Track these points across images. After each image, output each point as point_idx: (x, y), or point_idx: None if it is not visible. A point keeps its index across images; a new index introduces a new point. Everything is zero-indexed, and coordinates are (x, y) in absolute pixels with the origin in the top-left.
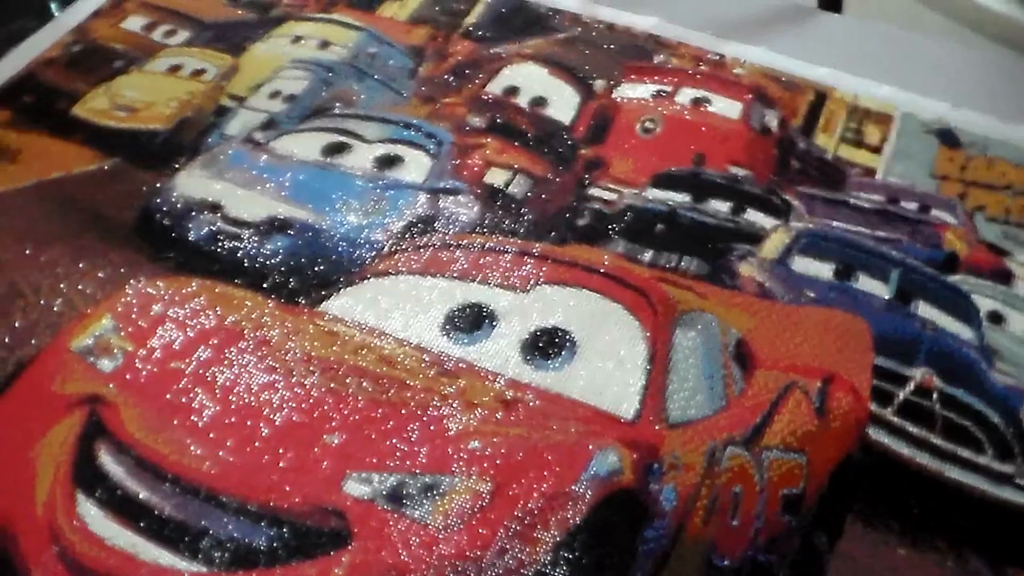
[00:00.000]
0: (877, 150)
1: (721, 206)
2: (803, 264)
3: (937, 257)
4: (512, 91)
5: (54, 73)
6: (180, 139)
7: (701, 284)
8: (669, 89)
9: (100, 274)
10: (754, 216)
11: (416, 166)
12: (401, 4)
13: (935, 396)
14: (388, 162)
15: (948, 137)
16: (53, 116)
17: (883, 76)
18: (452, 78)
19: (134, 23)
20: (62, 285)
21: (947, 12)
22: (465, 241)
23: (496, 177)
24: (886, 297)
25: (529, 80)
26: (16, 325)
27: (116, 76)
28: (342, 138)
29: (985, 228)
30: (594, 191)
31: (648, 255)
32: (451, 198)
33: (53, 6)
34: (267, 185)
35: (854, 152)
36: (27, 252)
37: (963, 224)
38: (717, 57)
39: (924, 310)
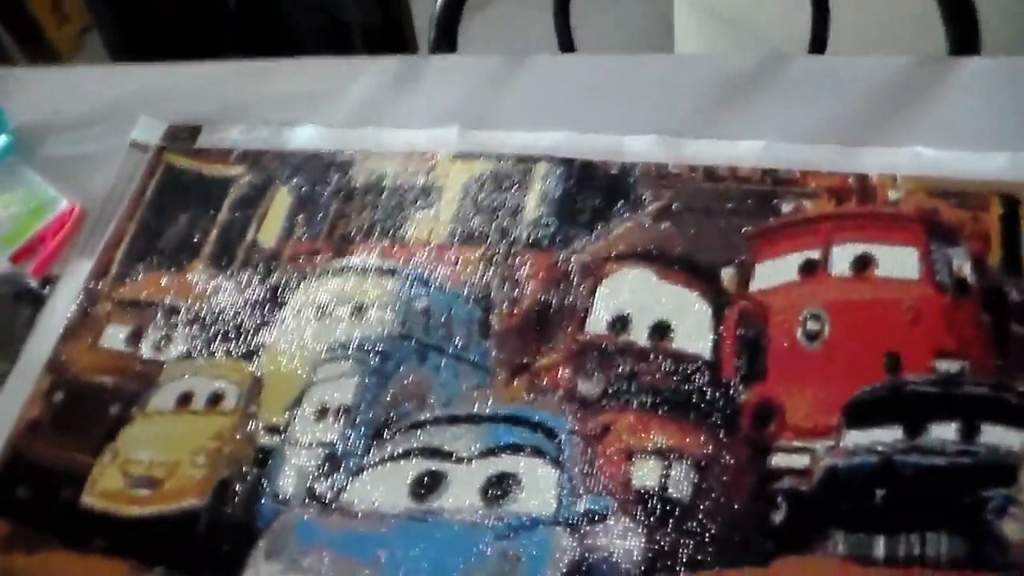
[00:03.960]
0: None
1: (946, 431)
2: None
3: None
4: (621, 323)
5: (43, 443)
6: (225, 515)
7: (966, 575)
8: (818, 255)
9: None
10: (993, 434)
11: (538, 485)
12: (434, 216)
13: None
14: (500, 487)
15: None
16: (61, 515)
17: None
18: (538, 323)
19: (115, 336)
20: None
21: None
22: None
23: (646, 474)
24: None
25: (637, 298)
26: None
27: (118, 429)
28: (431, 463)
29: None
30: (777, 460)
31: (880, 546)
32: (600, 526)
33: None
34: (360, 569)
35: None
36: None
37: None
38: (859, 181)
39: None
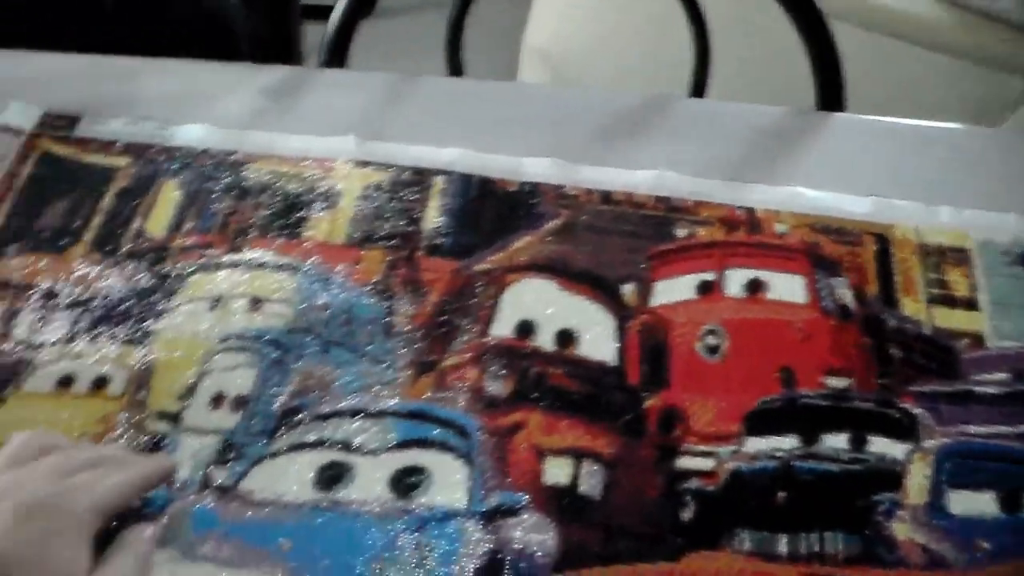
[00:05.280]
0: (971, 304)
1: (838, 441)
2: (960, 501)
3: None
4: (526, 328)
5: None
6: None
7: (861, 570)
8: (713, 277)
9: None
10: (879, 445)
11: (448, 479)
12: (332, 217)
13: None
14: (409, 480)
15: None
16: None
17: (930, 187)
18: (443, 325)
19: None
20: None
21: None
22: None
23: (557, 472)
24: None
25: (541, 306)
26: None
27: None
28: (336, 455)
29: None
30: (683, 462)
31: (783, 543)
32: (512, 520)
33: None
34: (263, 558)
35: (950, 315)
36: None
37: None
38: (747, 213)
39: None
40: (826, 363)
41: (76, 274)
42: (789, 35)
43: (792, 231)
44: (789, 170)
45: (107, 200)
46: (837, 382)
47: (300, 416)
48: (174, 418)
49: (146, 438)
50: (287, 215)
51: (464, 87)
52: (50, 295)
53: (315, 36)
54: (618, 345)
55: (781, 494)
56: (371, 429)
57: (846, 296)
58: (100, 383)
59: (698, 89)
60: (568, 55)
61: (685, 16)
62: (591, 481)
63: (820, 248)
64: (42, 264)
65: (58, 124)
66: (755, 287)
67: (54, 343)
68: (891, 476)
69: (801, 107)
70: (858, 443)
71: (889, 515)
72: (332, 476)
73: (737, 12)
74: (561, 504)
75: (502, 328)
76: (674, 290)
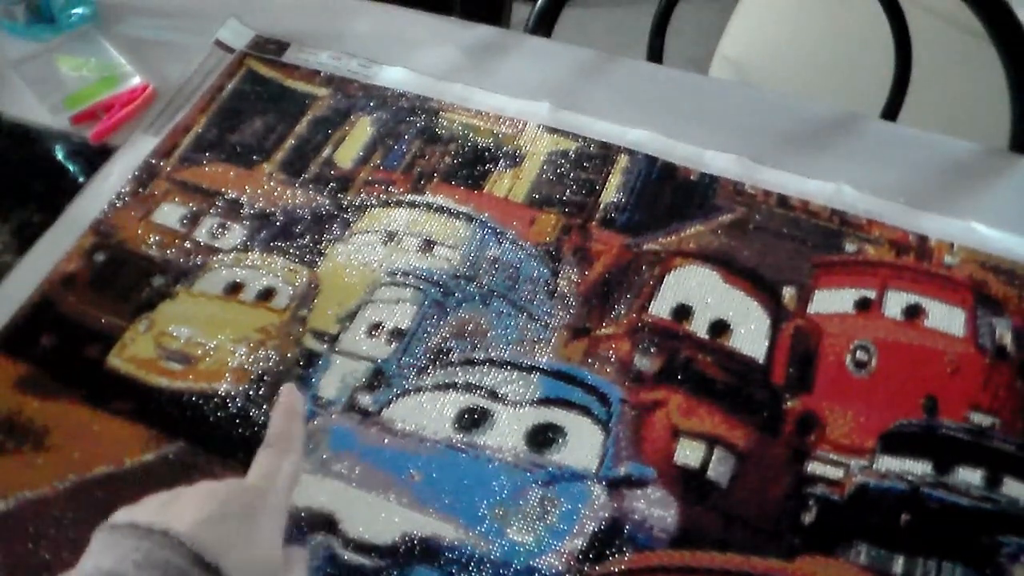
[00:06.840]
0: None
1: (972, 476)
2: None
3: None
4: (683, 312)
5: (76, 299)
6: (260, 406)
7: None
8: (873, 295)
9: None
10: (1014, 489)
11: (583, 442)
12: (515, 175)
13: None
14: (545, 436)
15: None
16: (84, 371)
17: None
18: (604, 295)
19: (169, 215)
20: None
21: None
22: (665, 562)
23: (688, 453)
24: None
25: (701, 293)
26: None
27: (159, 301)
28: (478, 400)
29: None
30: (813, 467)
31: (899, 564)
32: (638, 491)
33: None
34: (392, 484)
35: None
36: None
37: None
38: (919, 240)
39: None
40: (973, 398)
41: (261, 189)
42: (993, 75)
43: (961, 264)
44: (968, 205)
45: (302, 125)
46: (981, 419)
47: (451, 357)
48: (331, 339)
49: (300, 353)
50: (472, 167)
51: (660, 73)
52: (234, 205)
53: (519, 15)
54: (769, 344)
55: (905, 516)
56: (518, 381)
57: (1006, 337)
58: (266, 294)
59: (891, 112)
60: (759, 69)
61: (892, 41)
62: (720, 468)
63: (987, 286)
64: (231, 175)
65: (268, 47)
66: (914, 312)
67: (230, 250)
68: (1022, 521)
69: (991, 146)
70: (993, 482)
71: (1014, 559)
72: (472, 419)
73: (944, 44)
74: (688, 485)
75: (660, 308)
76: (833, 301)
